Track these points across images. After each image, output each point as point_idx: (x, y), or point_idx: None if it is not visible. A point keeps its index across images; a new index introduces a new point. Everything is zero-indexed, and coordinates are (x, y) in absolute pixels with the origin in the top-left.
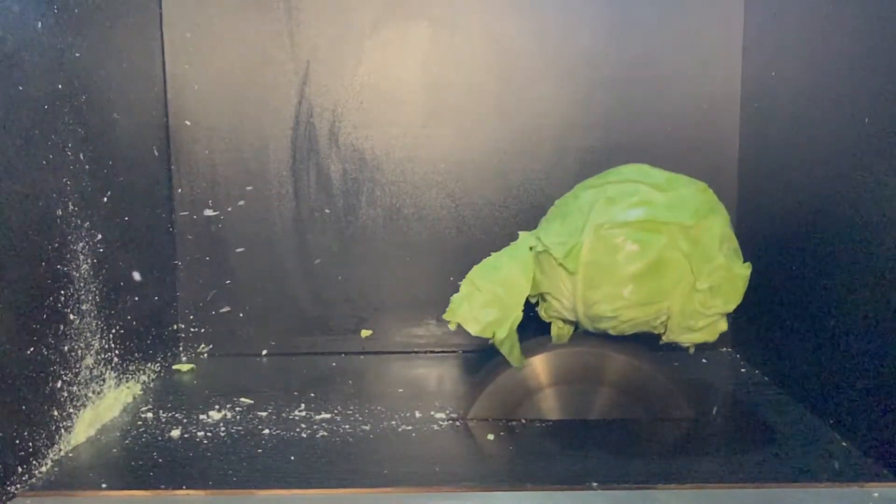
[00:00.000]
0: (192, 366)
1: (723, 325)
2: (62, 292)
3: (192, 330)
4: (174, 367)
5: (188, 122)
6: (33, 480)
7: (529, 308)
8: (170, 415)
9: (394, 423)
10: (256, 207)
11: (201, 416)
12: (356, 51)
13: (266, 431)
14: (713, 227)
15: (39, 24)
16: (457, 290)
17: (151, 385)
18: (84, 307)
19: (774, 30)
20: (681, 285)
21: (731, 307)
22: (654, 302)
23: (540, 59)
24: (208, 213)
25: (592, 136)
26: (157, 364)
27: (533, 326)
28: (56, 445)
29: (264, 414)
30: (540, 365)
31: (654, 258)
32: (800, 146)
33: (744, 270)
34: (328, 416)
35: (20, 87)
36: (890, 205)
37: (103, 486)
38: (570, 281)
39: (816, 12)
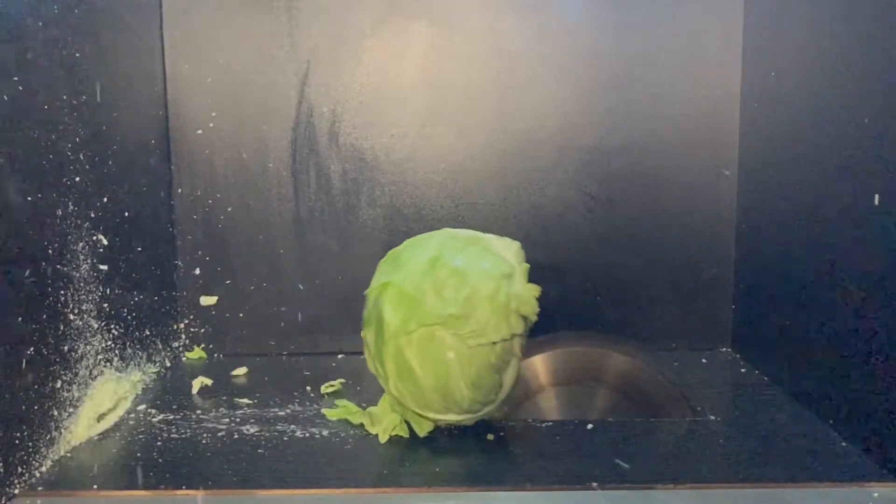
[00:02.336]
0: (202, 354)
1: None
2: (62, 292)
3: (192, 330)
4: (186, 355)
5: (188, 122)
6: (33, 480)
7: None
8: (170, 415)
9: None
10: (256, 207)
11: (201, 416)
12: (356, 51)
13: (266, 431)
14: None
15: (40, 24)
16: None
17: (151, 385)
18: (84, 307)
19: (774, 30)
20: None
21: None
22: None
23: (540, 59)
24: (208, 213)
25: (592, 136)
26: (158, 364)
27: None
28: (56, 445)
29: (264, 414)
30: (540, 365)
31: None
32: (800, 146)
33: None
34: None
35: (20, 88)
36: (890, 204)
37: (103, 486)
38: None
39: (816, 12)
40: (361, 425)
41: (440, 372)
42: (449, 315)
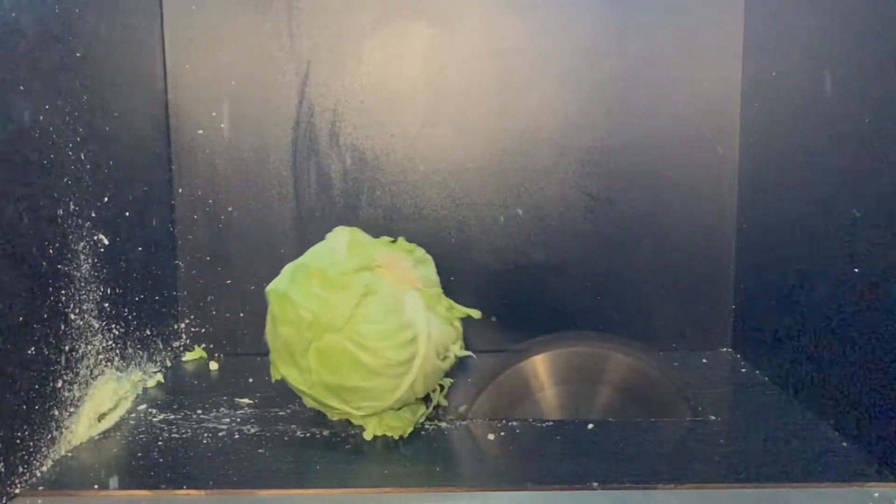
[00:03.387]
0: (202, 354)
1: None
2: (62, 292)
3: (192, 330)
4: (185, 355)
5: (188, 122)
6: (34, 480)
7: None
8: (170, 415)
9: None
10: (256, 207)
11: (202, 416)
12: (356, 51)
13: (266, 431)
14: None
15: (40, 24)
16: (457, 290)
17: (152, 385)
18: (84, 307)
19: (774, 30)
20: None
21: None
22: None
23: (540, 59)
24: (208, 213)
25: (592, 136)
26: (158, 364)
27: (533, 327)
28: (57, 445)
29: (264, 414)
30: (540, 365)
31: None
32: (800, 146)
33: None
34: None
35: (21, 87)
36: (890, 204)
37: (104, 485)
38: None
39: (816, 12)
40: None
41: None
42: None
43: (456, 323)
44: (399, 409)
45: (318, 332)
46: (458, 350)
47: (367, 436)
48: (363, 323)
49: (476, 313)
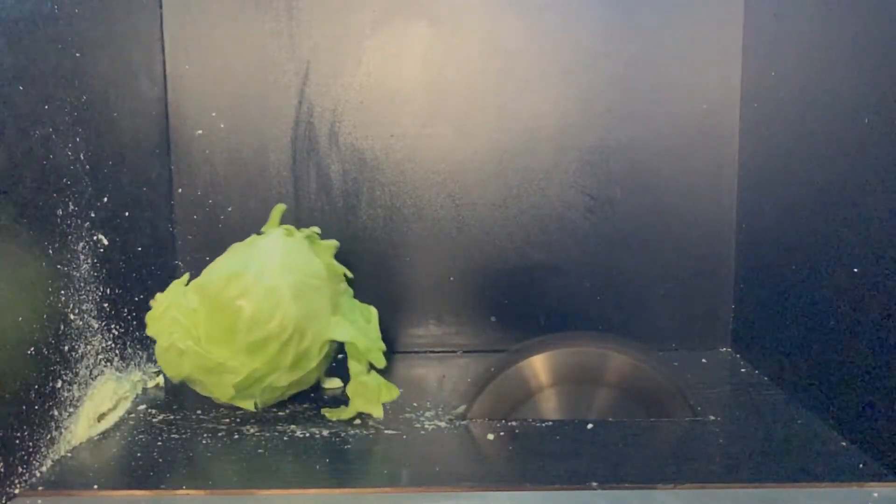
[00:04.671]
0: None
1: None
2: (62, 292)
3: None
4: None
5: (188, 122)
6: (34, 480)
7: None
8: (170, 415)
9: (394, 422)
10: (256, 207)
11: (201, 417)
12: (356, 51)
13: (266, 431)
14: None
15: (40, 24)
16: (456, 290)
17: (152, 385)
18: (84, 307)
19: (774, 30)
20: None
21: None
22: None
23: (540, 59)
24: (208, 213)
25: (592, 136)
26: (158, 364)
27: (533, 327)
28: (56, 445)
29: (264, 414)
30: (540, 365)
31: None
32: (800, 146)
33: None
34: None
35: (20, 87)
36: (890, 204)
37: (103, 485)
38: None
39: (816, 12)
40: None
41: None
42: None
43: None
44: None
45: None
46: None
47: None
48: None
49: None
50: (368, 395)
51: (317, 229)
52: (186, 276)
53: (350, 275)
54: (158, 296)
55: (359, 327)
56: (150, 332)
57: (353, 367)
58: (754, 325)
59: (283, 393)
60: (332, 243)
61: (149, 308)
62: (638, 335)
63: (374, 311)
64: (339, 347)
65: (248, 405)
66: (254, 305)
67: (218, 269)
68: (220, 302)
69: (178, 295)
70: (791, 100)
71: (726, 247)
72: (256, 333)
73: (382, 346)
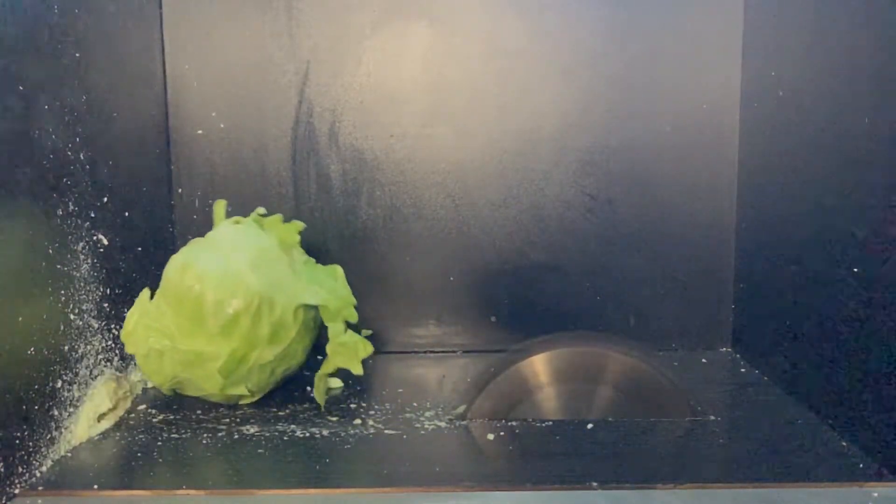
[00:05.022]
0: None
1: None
2: (62, 292)
3: None
4: None
5: (188, 123)
6: (34, 480)
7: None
8: (170, 415)
9: (394, 422)
10: (256, 207)
11: (201, 416)
12: (356, 51)
13: (266, 431)
14: None
15: (40, 25)
16: (456, 290)
17: (152, 385)
18: (84, 307)
19: (774, 30)
20: None
21: None
22: None
23: (540, 59)
24: (208, 213)
25: (592, 136)
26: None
27: (533, 327)
28: (56, 445)
29: (264, 414)
30: (540, 365)
31: None
32: (800, 146)
33: None
34: (328, 416)
35: (20, 88)
36: (891, 204)
37: (103, 485)
38: None
39: (816, 12)
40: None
41: None
42: None
43: None
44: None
45: None
46: None
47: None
48: None
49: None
50: (347, 353)
51: (261, 210)
52: (147, 290)
53: (299, 233)
54: (128, 313)
55: (328, 289)
56: (129, 349)
57: (331, 328)
58: (754, 325)
59: (272, 372)
60: (295, 224)
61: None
62: (638, 335)
63: (338, 269)
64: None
65: (241, 390)
66: (213, 286)
67: (171, 265)
68: (179, 294)
69: (144, 306)
70: (791, 100)
71: (726, 247)
72: (224, 313)
73: (353, 300)
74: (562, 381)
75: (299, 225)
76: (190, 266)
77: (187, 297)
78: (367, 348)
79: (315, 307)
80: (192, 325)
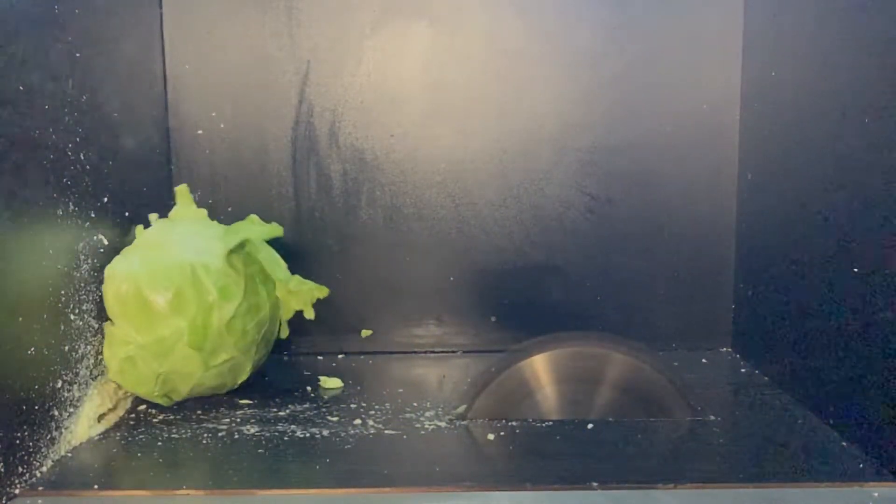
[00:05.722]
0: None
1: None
2: (62, 292)
3: None
4: None
5: (188, 122)
6: (34, 480)
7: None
8: (170, 415)
9: (394, 422)
10: (256, 207)
11: (201, 416)
12: (356, 51)
13: (266, 431)
14: None
15: (40, 25)
16: (456, 290)
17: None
18: (84, 307)
19: (774, 30)
20: None
21: None
22: None
23: (540, 59)
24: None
25: (592, 136)
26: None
27: (533, 327)
28: (56, 445)
29: (264, 414)
30: (540, 365)
31: None
32: (800, 146)
33: None
34: (328, 416)
35: (20, 88)
36: (891, 204)
37: (103, 485)
38: None
39: (816, 12)
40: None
41: None
42: None
43: None
44: None
45: None
46: None
47: None
48: None
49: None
50: (302, 297)
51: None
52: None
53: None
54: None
55: (251, 229)
56: (126, 384)
57: (276, 274)
58: (754, 325)
59: (245, 330)
60: (273, 228)
61: None
62: (638, 335)
63: (252, 216)
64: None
65: (224, 356)
66: (142, 277)
67: (104, 286)
68: (120, 302)
69: (108, 341)
70: (791, 100)
71: (726, 247)
72: (164, 288)
73: (278, 231)
74: (562, 381)
75: (276, 229)
76: (112, 275)
77: (126, 300)
78: (321, 291)
79: (258, 262)
80: (145, 321)
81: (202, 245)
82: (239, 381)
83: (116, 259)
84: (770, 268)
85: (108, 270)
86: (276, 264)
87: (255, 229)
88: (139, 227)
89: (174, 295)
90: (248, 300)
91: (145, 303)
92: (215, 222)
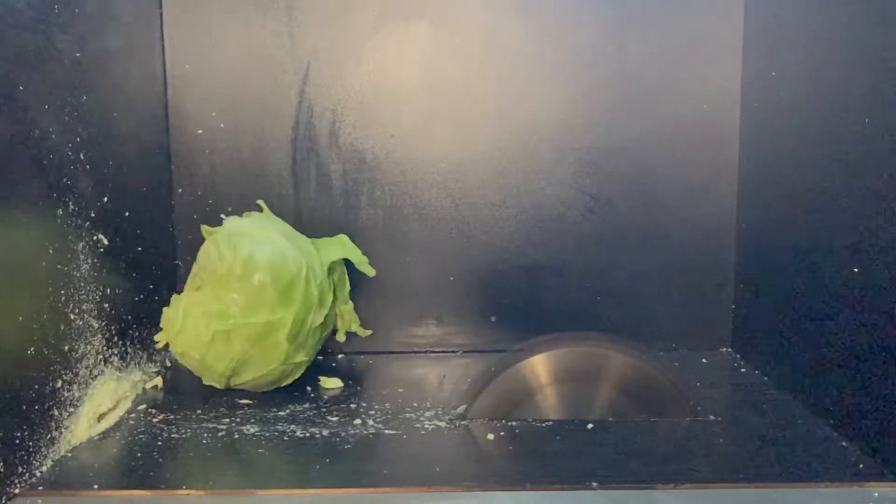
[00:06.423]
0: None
1: None
2: (62, 292)
3: None
4: None
5: (188, 123)
6: (34, 480)
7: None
8: (170, 415)
9: (394, 422)
10: (256, 207)
11: (202, 416)
12: (356, 51)
13: (266, 431)
14: None
15: (39, 25)
16: (456, 290)
17: (151, 385)
18: (84, 307)
19: (774, 30)
20: None
21: None
22: None
23: (540, 59)
24: (208, 213)
25: (592, 136)
26: (158, 364)
27: (533, 327)
28: (56, 445)
29: (264, 414)
30: (540, 365)
31: None
32: (800, 146)
33: None
34: (328, 416)
35: (20, 88)
36: (891, 204)
37: (103, 485)
38: None
39: (816, 12)
40: None
41: None
42: None
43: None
44: None
45: None
46: None
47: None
48: None
49: None
50: (344, 322)
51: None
52: (176, 294)
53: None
54: (166, 317)
55: (346, 250)
56: (178, 349)
57: (342, 293)
58: (754, 325)
59: (320, 337)
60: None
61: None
62: (638, 335)
63: (343, 237)
64: None
65: (301, 357)
66: (266, 257)
67: (210, 258)
68: (235, 273)
69: (187, 303)
70: (791, 100)
71: (726, 247)
72: (282, 280)
73: (365, 258)
74: (562, 381)
75: (369, 269)
76: (235, 248)
77: (245, 273)
78: (353, 323)
79: (335, 279)
80: (254, 299)
81: (308, 248)
82: (284, 384)
83: (240, 237)
84: (770, 268)
85: (237, 246)
86: (344, 284)
87: (353, 254)
88: (229, 218)
89: (287, 286)
90: (330, 312)
91: (263, 286)
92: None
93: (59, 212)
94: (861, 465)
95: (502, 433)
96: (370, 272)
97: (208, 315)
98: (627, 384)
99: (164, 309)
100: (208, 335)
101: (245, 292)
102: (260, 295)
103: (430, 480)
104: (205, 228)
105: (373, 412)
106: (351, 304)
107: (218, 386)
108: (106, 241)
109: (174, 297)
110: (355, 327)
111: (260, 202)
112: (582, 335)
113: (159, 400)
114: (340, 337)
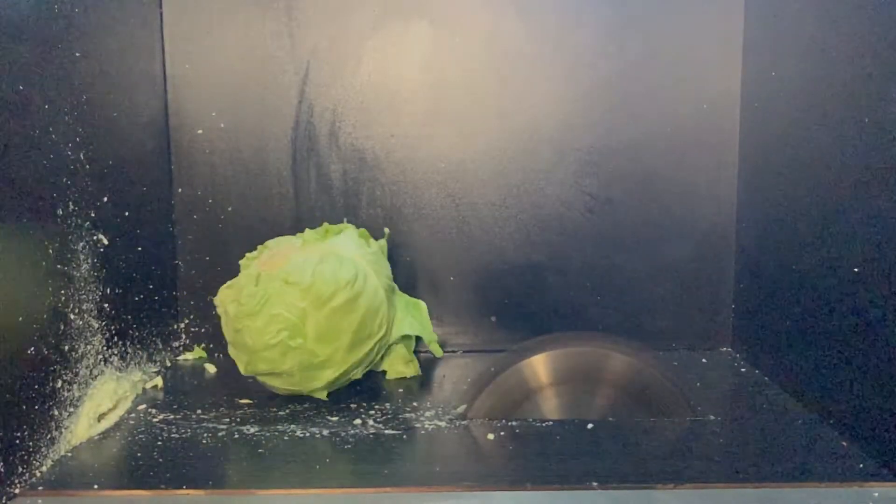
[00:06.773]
0: (202, 353)
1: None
2: (62, 292)
3: (191, 330)
4: (185, 355)
5: (188, 122)
6: (34, 480)
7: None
8: (170, 415)
9: (394, 422)
10: (256, 207)
11: (202, 416)
12: (356, 51)
13: (266, 431)
14: None
15: (40, 24)
16: (456, 290)
17: (151, 385)
18: (84, 307)
19: (774, 30)
20: None
21: None
22: None
23: (540, 59)
24: (208, 213)
25: (592, 136)
26: (158, 364)
27: (533, 327)
28: (56, 445)
29: (264, 414)
30: (540, 365)
31: None
32: (800, 146)
33: None
34: (328, 416)
35: (20, 87)
36: (890, 204)
37: (103, 485)
38: None
39: (816, 12)
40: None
41: None
42: None
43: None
44: None
45: None
46: None
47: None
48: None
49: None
50: (401, 365)
51: (351, 227)
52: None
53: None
54: (238, 285)
55: (422, 323)
56: (241, 323)
57: (404, 353)
58: (754, 325)
59: (349, 380)
60: (383, 243)
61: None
62: (638, 335)
63: (422, 305)
64: None
65: (322, 395)
66: (366, 306)
67: (319, 271)
68: (336, 304)
69: (270, 292)
70: (791, 100)
71: (726, 247)
72: (364, 331)
73: (436, 336)
74: (562, 381)
75: (436, 348)
76: (350, 284)
77: (344, 308)
78: (413, 369)
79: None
80: (332, 333)
81: (393, 313)
82: (318, 395)
83: (348, 257)
84: (770, 268)
85: (344, 269)
86: (429, 343)
87: (425, 331)
88: (349, 226)
89: (364, 338)
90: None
91: (346, 328)
92: (394, 284)
93: (59, 212)
94: (861, 465)
95: (502, 433)
96: (438, 352)
97: (284, 322)
98: (627, 384)
99: (241, 263)
100: (275, 338)
101: (328, 326)
102: (337, 336)
103: (430, 480)
104: (325, 227)
105: (373, 412)
106: (408, 358)
107: (239, 366)
108: (106, 241)
109: (245, 260)
110: (406, 371)
111: (386, 230)
112: (582, 335)
113: (159, 400)
114: (390, 374)
